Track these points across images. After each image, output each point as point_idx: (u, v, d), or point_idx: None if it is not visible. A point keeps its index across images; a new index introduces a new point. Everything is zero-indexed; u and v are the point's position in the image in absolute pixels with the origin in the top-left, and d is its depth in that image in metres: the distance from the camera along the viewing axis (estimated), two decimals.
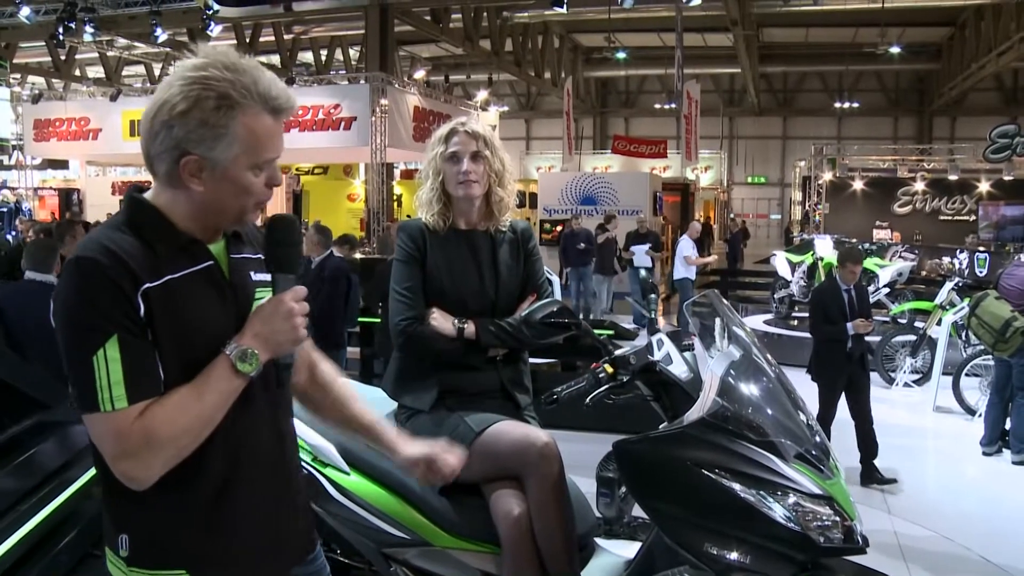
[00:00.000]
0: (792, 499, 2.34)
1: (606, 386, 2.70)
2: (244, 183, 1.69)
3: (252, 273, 1.83)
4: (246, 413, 1.75)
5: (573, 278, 15.16)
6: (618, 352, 2.75)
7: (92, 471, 4.44)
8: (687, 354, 2.82)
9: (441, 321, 2.78)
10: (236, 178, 1.68)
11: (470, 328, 2.78)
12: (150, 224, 1.69)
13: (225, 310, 1.74)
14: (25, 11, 17.45)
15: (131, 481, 1.61)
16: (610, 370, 2.71)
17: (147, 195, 1.75)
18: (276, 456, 1.86)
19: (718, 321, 2.76)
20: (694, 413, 2.51)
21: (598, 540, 2.95)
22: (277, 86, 1.69)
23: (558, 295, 3.10)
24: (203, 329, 1.69)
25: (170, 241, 1.69)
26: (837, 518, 2.34)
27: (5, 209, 22.10)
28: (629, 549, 2.89)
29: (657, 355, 2.76)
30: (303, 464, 2.92)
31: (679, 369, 2.73)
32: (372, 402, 3.09)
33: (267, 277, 1.79)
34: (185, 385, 1.63)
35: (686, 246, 12.94)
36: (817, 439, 2.51)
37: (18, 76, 26.57)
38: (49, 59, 24.57)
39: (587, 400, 2.69)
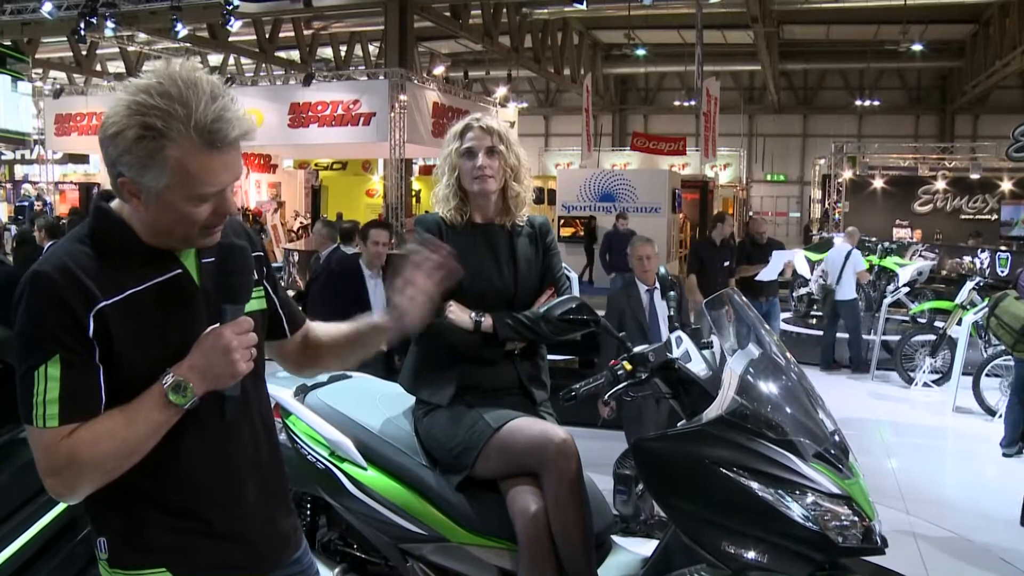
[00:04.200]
0: (810, 498, 2.33)
1: (624, 383, 2.69)
2: (182, 212, 1.64)
3: None
4: (220, 424, 1.76)
5: (616, 285, 13.79)
6: (637, 349, 2.74)
7: None
8: (706, 352, 2.81)
9: (458, 314, 2.78)
10: (172, 206, 1.62)
11: (487, 321, 2.78)
12: (113, 236, 1.68)
13: (195, 319, 1.71)
14: (47, 7, 17.55)
15: (57, 496, 1.64)
16: (628, 367, 2.70)
17: (115, 203, 1.72)
18: (252, 462, 1.85)
19: (737, 319, 2.75)
20: (713, 411, 2.50)
21: (615, 538, 2.94)
22: (222, 119, 1.58)
23: (575, 291, 3.09)
24: (170, 340, 1.67)
25: (133, 253, 1.67)
26: (856, 518, 2.33)
27: (27, 203, 22.29)
28: (646, 547, 2.89)
29: (676, 352, 2.74)
30: (321, 459, 2.95)
31: (698, 367, 2.72)
32: (390, 397, 3.12)
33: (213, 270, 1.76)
34: (118, 408, 1.62)
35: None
36: (836, 438, 2.50)
37: (40, 71, 26.76)
38: (70, 54, 24.72)
39: (605, 397, 2.69)
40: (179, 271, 1.72)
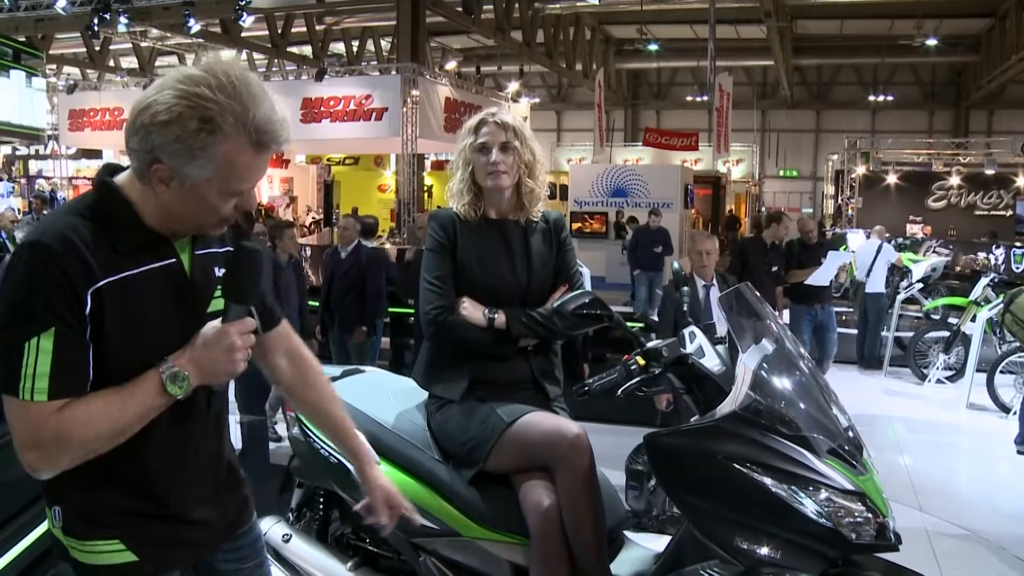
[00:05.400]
0: (824, 495, 2.32)
1: (638, 378, 2.68)
2: (211, 204, 1.67)
3: (216, 269, 1.82)
4: (189, 411, 1.79)
5: (642, 283, 13.62)
6: (650, 344, 2.74)
7: None
8: (719, 347, 2.80)
9: (471, 311, 2.78)
10: (204, 197, 1.65)
11: (500, 318, 2.77)
12: (116, 215, 1.68)
13: (181, 309, 1.74)
14: (61, 2, 17.62)
15: (34, 471, 1.62)
16: (642, 362, 2.69)
17: (120, 179, 1.72)
18: (206, 445, 1.90)
19: (751, 314, 2.74)
20: (726, 406, 2.49)
21: (627, 533, 2.94)
22: (272, 121, 1.63)
23: (588, 286, 3.08)
24: (155, 327, 1.69)
25: (134, 235, 1.68)
26: (869, 515, 2.32)
27: (47, 196, 22.37)
28: (658, 542, 2.88)
29: (689, 348, 2.74)
30: (333, 453, 2.95)
31: (711, 362, 2.71)
32: (403, 392, 3.12)
33: (225, 269, 1.79)
34: (111, 390, 1.64)
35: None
36: (850, 434, 2.49)
37: (54, 67, 26.88)
38: (84, 50, 24.77)
39: (619, 392, 2.68)
40: (173, 260, 1.74)
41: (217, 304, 1.78)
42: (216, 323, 1.71)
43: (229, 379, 1.76)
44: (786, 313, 8.34)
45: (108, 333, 1.63)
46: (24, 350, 1.56)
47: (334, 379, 3.23)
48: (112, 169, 1.75)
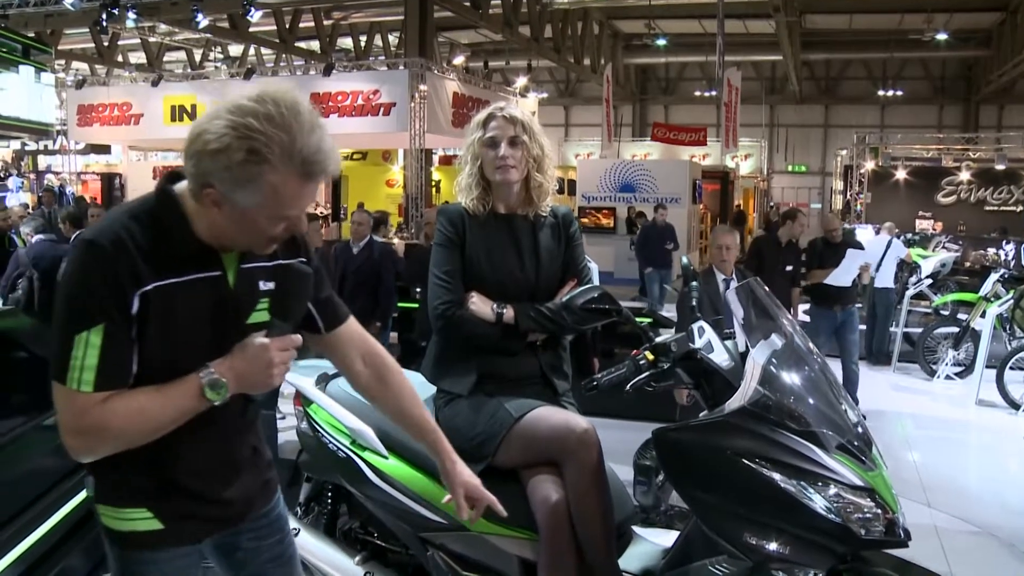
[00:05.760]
0: (833, 490, 2.31)
1: (647, 373, 2.68)
2: (260, 228, 1.74)
3: (260, 283, 1.88)
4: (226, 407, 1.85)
5: (654, 280, 13.47)
6: (659, 339, 2.73)
7: None
8: (728, 342, 2.79)
9: (480, 305, 2.78)
10: (253, 222, 1.71)
11: (509, 313, 2.77)
12: (170, 225, 1.75)
13: (220, 320, 1.81)
14: None
15: (74, 454, 1.75)
16: (651, 357, 2.69)
17: (179, 189, 1.78)
18: (235, 430, 2.00)
19: (760, 309, 2.73)
20: (735, 402, 2.49)
21: (635, 528, 2.94)
22: (319, 151, 1.67)
23: (596, 281, 3.07)
24: (194, 334, 1.78)
25: (184, 246, 1.76)
26: (879, 510, 2.32)
27: (56, 191, 22.42)
28: (666, 538, 2.88)
29: (698, 343, 2.73)
30: (342, 448, 2.96)
31: (720, 357, 2.70)
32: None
33: (272, 286, 1.89)
34: (153, 388, 1.74)
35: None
36: (859, 430, 2.48)
37: (62, 62, 26.89)
38: (92, 45, 24.83)
39: (627, 387, 2.68)
40: (218, 273, 1.81)
41: (258, 316, 1.88)
42: (260, 337, 1.80)
43: (266, 391, 1.86)
44: (801, 313, 8.14)
45: (148, 335, 1.73)
46: (74, 343, 1.66)
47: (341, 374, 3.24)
48: (174, 177, 1.81)
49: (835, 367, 7.61)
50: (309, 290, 1.93)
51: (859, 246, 8.21)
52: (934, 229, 23.22)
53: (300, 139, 1.64)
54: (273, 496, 2.15)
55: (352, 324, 2.14)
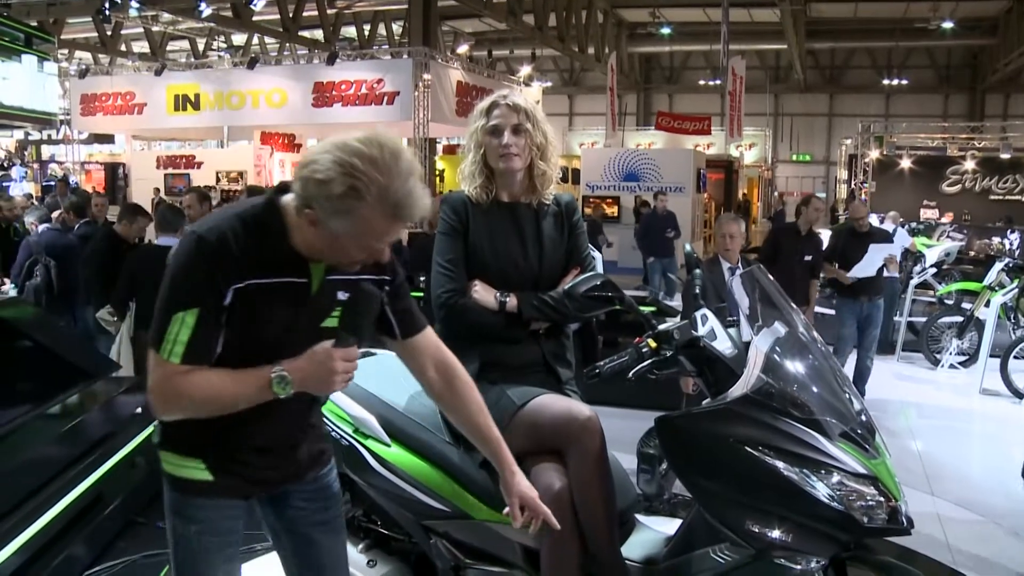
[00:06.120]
0: (836, 478, 2.31)
1: (649, 361, 2.67)
2: (347, 251, 1.95)
3: (339, 293, 2.09)
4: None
5: (655, 271, 13.31)
6: (661, 327, 2.73)
7: (136, 441, 4.54)
8: (731, 330, 2.78)
9: (483, 294, 2.78)
10: (342, 245, 1.92)
11: (512, 301, 2.77)
12: (271, 232, 1.97)
13: (298, 320, 2.03)
14: None
15: (152, 411, 2.02)
16: (653, 345, 2.68)
17: (285, 200, 1.99)
18: (303, 410, 2.21)
19: (764, 297, 2.73)
20: (738, 389, 2.48)
21: (638, 516, 2.94)
22: (410, 197, 1.86)
23: (600, 270, 3.07)
24: (273, 329, 2.00)
25: (279, 253, 1.98)
26: (881, 498, 2.32)
27: (53, 183, 22.44)
28: (669, 526, 2.88)
29: (701, 330, 2.72)
30: (345, 436, 2.95)
31: (723, 345, 2.70)
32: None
33: (347, 297, 2.09)
34: (229, 372, 1.97)
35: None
36: (863, 418, 2.48)
37: (65, 52, 26.89)
38: (95, 35, 24.79)
39: (630, 375, 2.67)
40: (304, 280, 2.02)
41: (331, 322, 2.09)
42: (328, 345, 1.99)
43: (326, 394, 2.17)
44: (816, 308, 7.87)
45: (235, 324, 1.96)
46: (172, 320, 1.92)
47: None
48: (283, 188, 2.01)
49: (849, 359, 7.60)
50: (376, 308, 2.15)
51: (887, 239, 8.00)
52: (946, 218, 23.14)
53: (396, 184, 1.83)
54: (324, 466, 2.35)
55: (428, 334, 2.32)
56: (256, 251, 1.94)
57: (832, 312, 8.33)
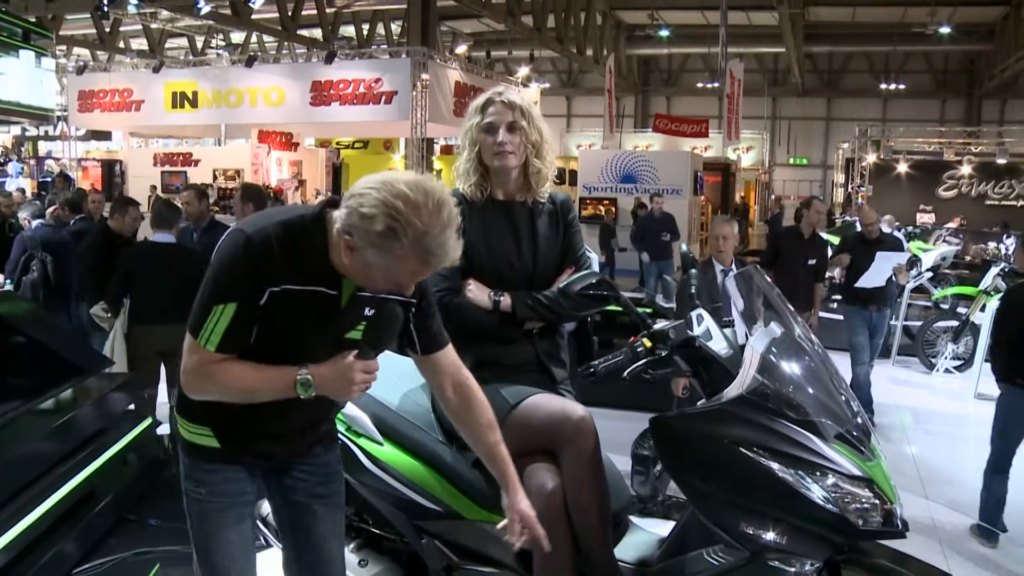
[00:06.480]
0: (831, 480, 2.30)
1: (644, 360, 2.66)
2: (375, 280, 2.05)
3: (366, 309, 2.19)
4: None
5: (651, 274, 13.17)
6: (657, 326, 2.71)
7: (128, 438, 4.52)
8: (727, 330, 2.77)
9: (477, 293, 2.76)
10: (372, 275, 2.03)
11: (506, 301, 2.75)
12: (313, 243, 2.08)
13: (325, 329, 2.15)
14: None
15: (184, 388, 2.17)
16: (648, 344, 2.67)
17: (333, 216, 2.05)
18: (321, 404, 2.26)
19: (759, 298, 2.71)
20: (733, 390, 2.47)
21: (632, 517, 2.92)
22: (443, 246, 1.95)
23: (595, 269, 3.06)
24: (300, 333, 2.13)
25: (317, 264, 2.08)
26: (877, 501, 2.31)
27: (50, 179, 22.39)
28: (663, 527, 2.87)
29: (696, 330, 2.71)
30: (339, 434, 2.93)
31: (719, 345, 2.68)
32: (408, 372, 3.09)
33: (372, 313, 2.19)
34: (260, 367, 2.11)
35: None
36: (859, 420, 2.47)
37: (63, 48, 26.82)
38: (94, 31, 24.76)
39: (624, 374, 2.66)
40: (335, 292, 2.13)
41: (355, 334, 2.20)
42: (351, 356, 2.10)
43: (344, 401, 2.41)
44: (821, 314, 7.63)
45: (267, 322, 2.09)
46: (212, 311, 2.05)
47: None
48: (334, 203, 2.09)
49: (845, 364, 7.58)
50: (398, 327, 2.24)
51: (898, 246, 7.78)
52: (952, 223, 23.15)
53: (433, 233, 1.92)
54: (326, 445, 2.49)
55: (448, 353, 2.40)
56: (296, 259, 2.06)
57: (837, 317, 8.27)
